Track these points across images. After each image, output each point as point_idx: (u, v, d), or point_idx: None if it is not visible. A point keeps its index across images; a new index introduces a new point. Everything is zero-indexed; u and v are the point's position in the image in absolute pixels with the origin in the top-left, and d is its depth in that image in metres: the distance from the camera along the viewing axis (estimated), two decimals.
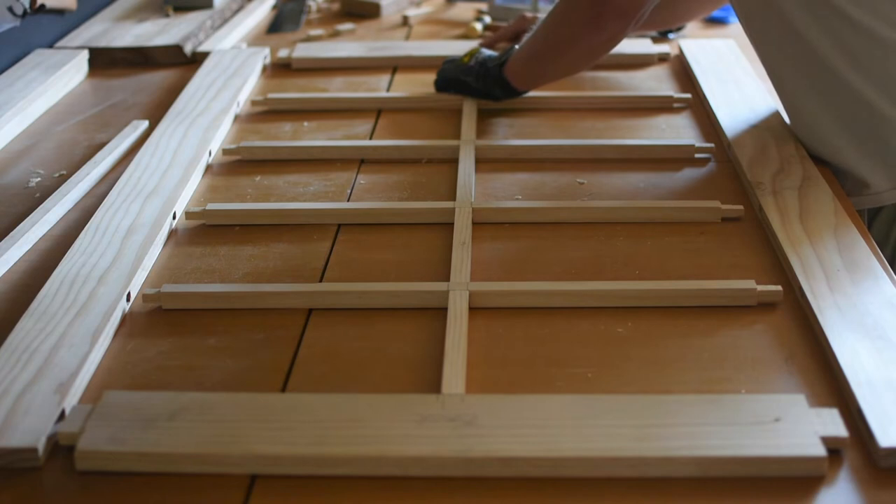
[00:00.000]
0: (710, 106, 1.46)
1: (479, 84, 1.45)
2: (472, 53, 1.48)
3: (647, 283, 1.02)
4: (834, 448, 0.79)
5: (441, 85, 1.53)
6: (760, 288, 1.00)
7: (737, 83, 1.53)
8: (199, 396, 0.85)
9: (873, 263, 1.04)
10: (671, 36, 1.82)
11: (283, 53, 1.76)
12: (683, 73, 1.65)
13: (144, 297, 1.02)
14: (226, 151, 1.36)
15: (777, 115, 1.40)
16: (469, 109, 1.47)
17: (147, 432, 0.80)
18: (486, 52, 1.49)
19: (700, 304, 1.00)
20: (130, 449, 0.79)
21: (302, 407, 0.83)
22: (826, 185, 1.20)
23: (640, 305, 1.00)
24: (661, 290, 1.01)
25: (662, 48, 1.72)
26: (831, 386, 0.88)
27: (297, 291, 1.02)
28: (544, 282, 1.03)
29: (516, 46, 1.43)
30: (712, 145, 1.34)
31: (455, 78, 1.49)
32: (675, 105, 1.51)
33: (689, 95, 1.52)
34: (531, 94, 1.52)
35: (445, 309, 0.98)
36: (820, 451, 0.77)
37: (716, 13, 1.95)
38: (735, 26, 1.89)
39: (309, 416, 0.82)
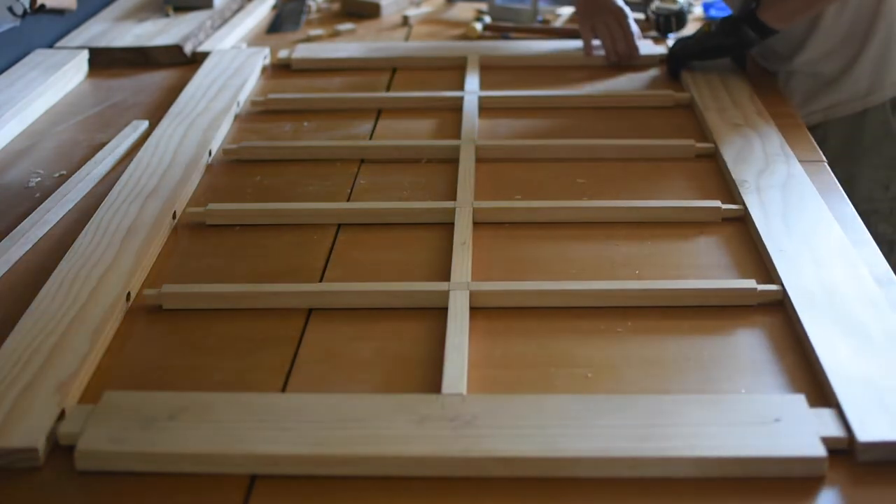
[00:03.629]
0: (698, 106, 1.47)
1: (733, 38, 1.51)
2: (707, 24, 1.56)
3: (647, 282, 1.02)
4: (834, 448, 0.79)
5: (682, 62, 1.58)
6: (761, 287, 1.00)
7: (723, 82, 1.53)
8: (199, 396, 0.85)
9: (856, 261, 1.04)
10: (671, 36, 1.82)
11: (283, 54, 1.76)
12: None
13: (145, 298, 1.02)
14: (226, 151, 1.36)
15: (764, 113, 1.40)
16: (469, 109, 1.47)
17: (147, 432, 0.80)
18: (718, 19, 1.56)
19: (700, 303, 1.00)
20: (130, 449, 0.79)
21: (302, 407, 0.83)
22: (810, 183, 1.20)
23: (641, 305, 1.00)
24: (661, 290, 1.01)
25: (663, 49, 1.72)
26: (814, 383, 0.88)
27: (297, 291, 1.02)
28: (544, 282, 1.03)
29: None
30: (712, 145, 1.34)
31: (703, 48, 1.56)
32: (675, 105, 1.51)
33: (689, 95, 1.52)
34: (530, 93, 1.52)
35: (446, 309, 0.98)
36: (820, 451, 0.77)
37: (716, 13, 1.95)
38: None
39: (309, 417, 0.82)
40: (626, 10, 1.69)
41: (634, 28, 1.69)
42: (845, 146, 1.30)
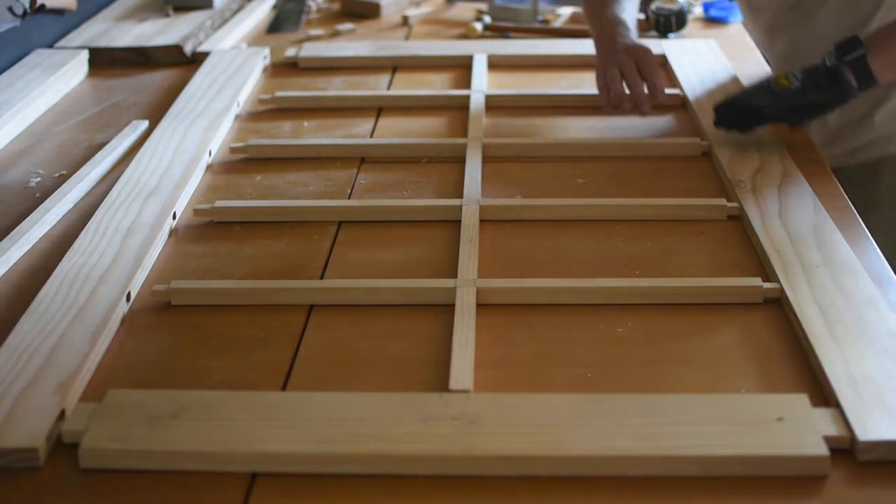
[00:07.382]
0: (690, 105, 1.46)
1: (829, 94, 1.23)
2: (782, 76, 1.26)
3: (654, 279, 1.02)
4: (836, 448, 0.79)
5: (759, 122, 1.29)
6: (766, 285, 1.00)
7: (716, 82, 1.53)
8: (202, 395, 0.85)
9: (852, 260, 1.04)
10: (671, 36, 1.82)
11: (290, 52, 1.76)
12: None
13: (154, 294, 1.02)
14: (233, 150, 1.36)
15: None
16: (476, 108, 1.47)
17: (150, 430, 0.80)
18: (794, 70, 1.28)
19: (704, 301, 1.00)
20: (134, 447, 0.79)
21: (304, 405, 0.83)
22: (806, 183, 1.20)
23: (646, 303, 1.00)
24: (666, 288, 1.01)
25: (660, 49, 1.71)
26: (814, 383, 0.88)
27: (302, 288, 1.02)
28: (550, 279, 1.03)
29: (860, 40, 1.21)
30: (707, 143, 1.34)
31: (788, 107, 1.26)
32: (674, 104, 1.51)
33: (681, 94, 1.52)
34: (531, 93, 1.52)
35: (450, 306, 0.98)
36: (822, 450, 0.77)
37: (715, 13, 1.95)
38: (735, 26, 1.89)
39: (311, 415, 0.82)
40: (647, 45, 1.40)
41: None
42: (859, 195, 1.22)
